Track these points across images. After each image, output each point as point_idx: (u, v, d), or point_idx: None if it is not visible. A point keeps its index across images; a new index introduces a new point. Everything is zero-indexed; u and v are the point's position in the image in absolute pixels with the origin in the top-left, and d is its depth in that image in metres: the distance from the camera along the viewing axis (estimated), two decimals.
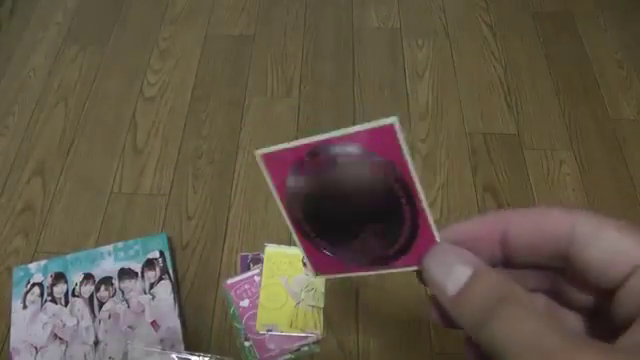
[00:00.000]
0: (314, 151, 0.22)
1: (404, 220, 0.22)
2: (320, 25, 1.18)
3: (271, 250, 0.82)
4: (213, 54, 1.12)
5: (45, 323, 0.76)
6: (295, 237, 0.25)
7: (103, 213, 0.89)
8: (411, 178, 0.21)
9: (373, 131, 0.20)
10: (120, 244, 0.82)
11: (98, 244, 0.84)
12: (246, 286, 0.79)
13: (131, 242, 0.83)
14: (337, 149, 0.21)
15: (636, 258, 0.18)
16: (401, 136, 0.20)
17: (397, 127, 0.19)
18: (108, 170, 0.94)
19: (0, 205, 0.90)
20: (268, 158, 0.24)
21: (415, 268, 0.23)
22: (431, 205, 0.90)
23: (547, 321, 0.17)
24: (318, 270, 0.26)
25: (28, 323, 0.76)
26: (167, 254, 0.82)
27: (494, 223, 0.22)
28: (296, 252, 0.83)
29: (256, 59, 1.11)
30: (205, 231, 0.87)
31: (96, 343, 0.74)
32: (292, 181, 0.24)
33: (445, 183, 0.93)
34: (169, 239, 0.84)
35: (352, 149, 0.21)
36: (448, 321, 0.22)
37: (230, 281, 0.80)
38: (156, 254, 0.81)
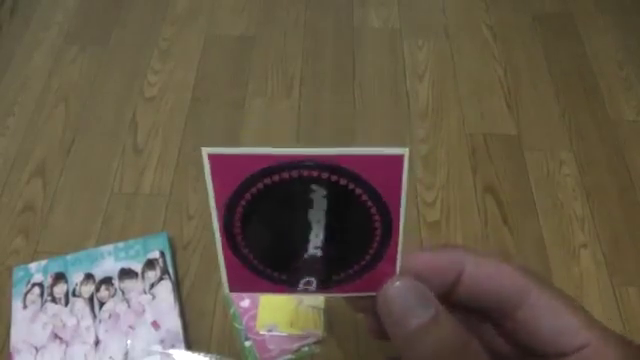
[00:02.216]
0: (281, 166, 0.20)
1: (369, 247, 0.21)
2: (320, 26, 1.18)
3: None
4: (213, 55, 1.12)
5: (45, 323, 0.76)
6: (218, 247, 0.23)
7: (103, 213, 0.89)
8: (398, 211, 0.20)
9: (377, 158, 0.19)
10: (120, 244, 0.82)
11: (98, 244, 0.84)
12: None
13: (131, 242, 0.83)
14: (317, 168, 0.19)
15: (584, 338, 0.19)
16: (406, 168, 0.19)
17: (405, 158, 0.19)
18: (108, 170, 0.94)
19: (0, 205, 0.90)
20: (217, 161, 0.21)
21: (364, 294, 0.22)
22: (431, 206, 0.90)
23: None
24: (234, 285, 0.24)
25: (28, 323, 0.76)
26: (168, 254, 0.82)
27: (452, 261, 0.22)
28: None
29: (256, 60, 1.11)
30: (206, 231, 0.87)
31: (96, 343, 0.74)
32: (243, 192, 0.21)
33: (445, 184, 0.93)
34: (170, 239, 0.84)
35: (337, 174, 0.19)
36: (380, 334, 0.22)
37: None
38: (156, 254, 0.81)
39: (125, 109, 1.03)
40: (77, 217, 0.89)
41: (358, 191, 0.20)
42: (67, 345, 0.74)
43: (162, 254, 0.81)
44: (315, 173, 0.19)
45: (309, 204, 0.20)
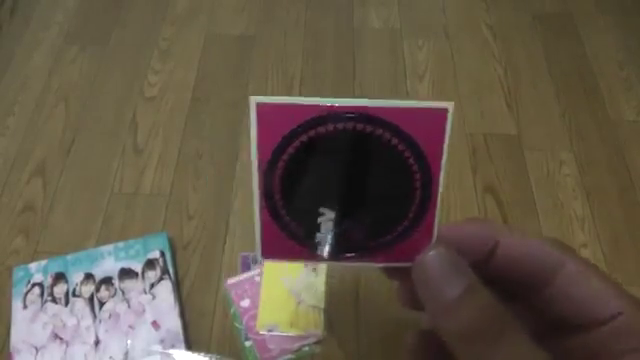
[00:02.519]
0: (329, 117, 0.19)
1: (408, 211, 0.21)
2: (320, 25, 1.18)
3: None
4: (213, 54, 1.12)
5: (45, 323, 0.76)
6: (256, 211, 0.22)
7: (103, 213, 0.89)
8: (439, 168, 0.20)
9: (422, 111, 0.18)
10: (120, 244, 0.82)
11: (98, 244, 0.84)
12: (247, 286, 0.79)
13: (131, 242, 0.83)
14: (361, 123, 0.19)
15: (618, 306, 0.20)
16: (449, 123, 0.19)
17: (450, 113, 0.18)
18: (108, 170, 0.94)
19: (0, 205, 0.90)
20: (264, 111, 0.20)
21: (399, 265, 0.21)
22: None
23: (539, 354, 0.18)
24: (267, 252, 0.23)
25: (28, 323, 0.76)
26: (168, 254, 0.82)
27: (489, 231, 0.22)
28: None
29: (256, 59, 1.11)
30: (206, 231, 0.87)
31: (96, 343, 0.74)
32: (286, 146, 0.20)
33: (445, 184, 0.92)
34: (170, 239, 0.84)
35: (382, 127, 0.19)
36: (413, 304, 0.23)
37: (231, 281, 0.80)
38: (156, 254, 0.81)
39: (125, 109, 1.03)
40: (77, 217, 0.89)
41: (401, 147, 0.19)
42: (67, 345, 0.74)
43: (162, 254, 0.81)
44: (360, 126, 0.19)
45: (352, 161, 0.20)
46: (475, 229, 0.22)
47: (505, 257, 0.22)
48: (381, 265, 0.23)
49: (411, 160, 0.20)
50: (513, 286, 0.22)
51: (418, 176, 0.20)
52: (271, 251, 0.23)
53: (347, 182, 0.21)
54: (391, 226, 0.21)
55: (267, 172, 0.21)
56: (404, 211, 0.21)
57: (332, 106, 0.19)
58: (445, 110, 0.18)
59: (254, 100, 0.19)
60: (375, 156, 0.20)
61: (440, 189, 0.21)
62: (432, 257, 0.21)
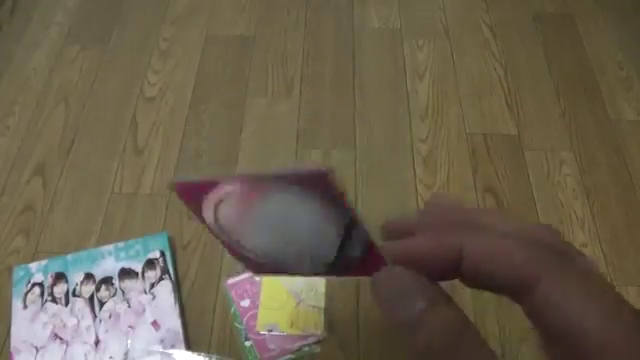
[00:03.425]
0: (251, 184, 0.20)
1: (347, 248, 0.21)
2: (320, 25, 1.18)
3: None
4: (214, 54, 1.12)
5: (45, 323, 0.76)
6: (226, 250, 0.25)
7: (104, 213, 0.89)
8: (355, 214, 0.20)
9: (310, 175, 0.19)
10: (121, 244, 0.82)
11: (99, 244, 0.84)
12: (247, 286, 0.80)
13: (132, 242, 0.83)
14: (275, 185, 0.20)
15: (599, 341, 0.17)
16: (336, 180, 0.19)
17: (332, 175, 0.18)
18: (109, 170, 0.94)
19: (1, 205, 0.90)
20: (182, 189, 0.22)
21: (363, 277, 0.22)
22: None
23: None
24: (258, 272, 0.26)
25: (28, 323, 0.76)
26: (168, 254, 0.82)
27: (449, 247, 0.20)
28: None
29: (256, 59, 1.11)
30: (206, 231, 0.87)
31: (96, 343, 0.74)
32: (210, 215, 0.22)
33: (445, 183, 0.93)
34: (170, 239, 0.84)
35: (291, 188, 0.20)
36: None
37: (231, 281, 0.80)
38: (157, 254, 0.81)
39: (125, 109, 1.03)
40: (77, 217, 0.89)
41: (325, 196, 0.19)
42: (67, 345, 0.74)
43: (162, 254, 0.81)
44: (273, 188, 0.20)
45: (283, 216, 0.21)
46: (436, 245, 0.20)
47: (472, 270, 0.19)
48: (346, 278, 0.23)
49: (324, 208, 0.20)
50: (498, 291, 0.20)
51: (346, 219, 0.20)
52: (258, 271, 0.25)
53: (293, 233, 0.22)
54: (343, 255, 0.22)
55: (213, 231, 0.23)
56: (350, 244, 0.21)
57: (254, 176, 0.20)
58: (324, 173, 0.18)
59: (172, 181, 0.22)
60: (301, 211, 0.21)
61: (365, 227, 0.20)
62: (383, 279, 0.20)
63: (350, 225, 0.20)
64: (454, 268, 0.20)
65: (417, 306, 0.18)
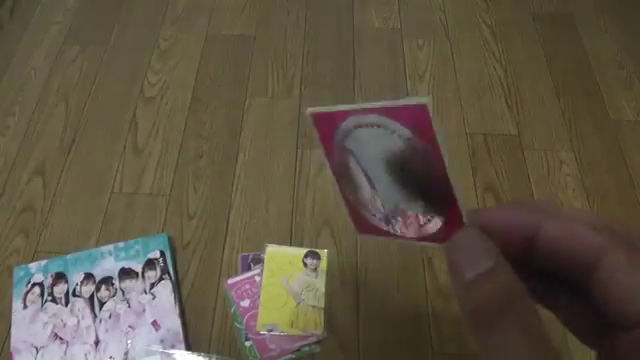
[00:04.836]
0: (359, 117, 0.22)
1: (436, 199, 0.22)
2: (320, 25, 1.18)
3: (272, 250, 0.82)
4: (214, 54, 1.12)
5: (45, 323, 0.76)
6: (337, 193, 0.26)
7: (103, 213, 0.89)
8: (443, 161, 0.21)
9: (408, 109, 0.20)
10: (121, 244, 0.82)
11: (99, 244, 0.85)
12: (247, 286, 0.80)
13: (132, 242, 0.83)
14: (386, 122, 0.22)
15: None
16: (432, 118, 0.20)
17: (429, 108, 0.20)
18: (109, 170, 0.94)
19: (1, 205, 0.90)
20: (317, 117, 0.25)
21: (438, 245, 0.23)
22: None
23: (540, 347, 0.18)
24: (360, 230, 0.27)
25: (28, 323, 0.76)
26: (168, 254, 0.82)
27: (526, 219, 0.21)
28: (297, 252, 0.83)
29: (257, 59, 1.11)
30: (206, 231, 0.87)
31: (97, 343, 0.74)
32: (339, 141, 0.24)
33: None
34: (170, 239, 0.84)
35: (402, 128, 0.21)
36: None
37: (231, 281, 0.80)
38: (157, 254, 0.81)
39: (125, 109, 1.03)
40: (77, 217, 0.89)
41: (420, 143, 0.21)
42: (67, 345, 0.74)
43: (162, 254, 0.81)
44: (376, 126, 0.22)
45: (383, 155, 0.22)
46: (514, 217, 0.22)
47: (546, 247, 0.21)
48: (428, 245, 0.24)
49: (416, 154, 0.21)
50: (563, 275, 0.21)
51: (432, 167, 0.22)
52: (363, 229, 0.27)
53: (382, 174, 0.23)
54: (431, 211, 0.23)
55: (334, 163, 0.24)
56: (430, 199, 0.23)
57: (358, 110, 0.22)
58: (424, 106, 0.20)
59: (309, 111, 0.25)
60: (394, 152, 0.22)
61: (452, 181, 0.21)
62: (458, 239, 0.21)
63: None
64: (526, 244, 0.21)
65: (480, 267, 0.19)
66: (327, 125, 0.24)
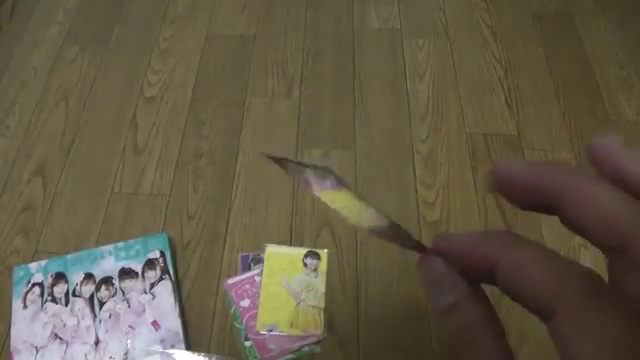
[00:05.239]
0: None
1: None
2: (321, 26, 1.18)
3: (272, 250, 0.82)
4: (214, 54, 1.12)
5: (45, 323, 0.76)
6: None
7: (104, 213, 0.89)
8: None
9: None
10: (121, 244, 0.82)
11: (99, 244, 0.85)
12: (247, 286, 0.80)
13: (132, 242, 0.83)
14: None
15: (616, 235, 0.16)
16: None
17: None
18: (109, 170, 0.94)
19: (1, 205, 0.90)
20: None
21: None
22: (431, 206, 0.90)
23: None
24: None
25: (28, 323, 0.76)
26: (168, 254, 0.82)
27: (485, 252, 0.20)
28: (297, 252, 0.83)
29: (257, 59, 1.11)
30: (206, 231, 0.87)
31: (97, 343, 0.74)
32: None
33: (445, 183, 0.93)
34: (170, 239, 0.84)
35: None
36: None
37: (231, 281, 0.80)
38: (157, 254, 0.81)
39: (125, 109, 1.03)
40: (77, 217, 0.89)
41: None
42: (67, 345, 0.74)
43: (162, 254, 0.81)
44: None
45: None
46: (476, 247, 0.21)
47: (503, 283, 0.20)
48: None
49: None
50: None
51: None
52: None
53: None
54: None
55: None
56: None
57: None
58: None
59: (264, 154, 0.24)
60: None
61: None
62: (424, 267, 0.21)
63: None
64: (488, 276, 0.20)
65: (443, 300, 0.20)
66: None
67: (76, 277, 0.79)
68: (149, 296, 0.78)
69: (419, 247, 0.22)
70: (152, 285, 0.79)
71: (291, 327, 0.76)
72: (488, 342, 0.19)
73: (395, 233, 0.23)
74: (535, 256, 0.19)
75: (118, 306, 0.77)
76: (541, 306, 0.18)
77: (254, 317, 0.77)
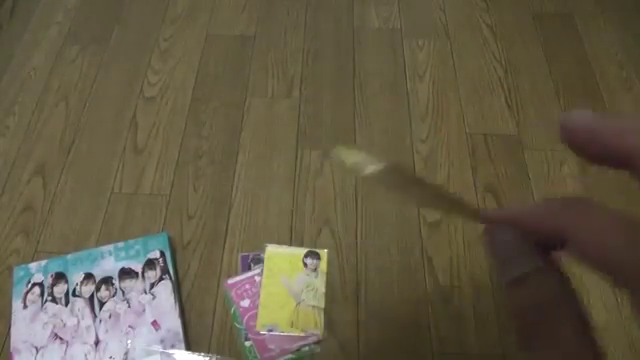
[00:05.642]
0: None
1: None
2: (321, 26, 1.18)
3: (272, 250, 0.82)
4: (214, 54, 1.12)
5: (45, 323, 0.76)
6: None
7: (104, 213, 0.89)
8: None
9: None
10: (121, 244, 0.82)
11: (99, 244, 0.85)
12: (247, 286, 0.80)
13: (132, 242, 0.83)
14: None
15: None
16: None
17: None
18: (109, 170, 0.94)
19: (1, 205, 0.90)
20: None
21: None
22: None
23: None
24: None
25: (28, 323, 0.76)
26: (168, 254, 0.82)
27: (558, 220, 0.19)
28: (297, 252, 0.83)
29: (257, 59, 1.11)
30: (206, 231, 0.87)
31: (97, 343, 0.74)
32: None
33: (445, 183, 0.93)
34: (170, 239, 0.84)
35: None
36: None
37: (231, 281, 0.80)
38: (157, 254, 0.81)
39: (125, 109, 1.03)
40: (77, 217, 0.89)
41: None
42: (67, 345, 0.74)
43: (162, 254, 0.81)
44: None
45: None
46: (544, 221, 0.20)
47: (579, 256, 0.19)
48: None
49: None
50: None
51: None
52: None
53: None
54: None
55: None
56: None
57: None
58: None
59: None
60: None
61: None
62: (494, 237, 0.20)
63: None
64: (558, 244, 0.20)
65: (514, 271, 0.19)
66: None
67: (76, 277, 0.79)
68: (149, 296, 0.78)
69: (481, 217, 0.21)
70: (152, 285, 0.79)
71: (291, 327, 0.76)
72: (567, 310, 0.18)
73: (453, 202, 0.22)
74: (612, 224, 0.18)
75: (118, 306, 0.77)
76: (619, 276, 0.17)
77: (254, 317, 0.77)
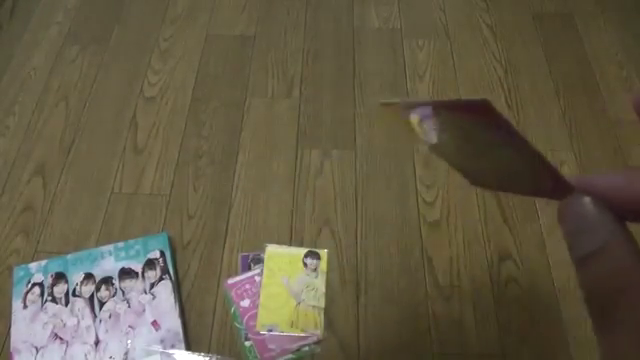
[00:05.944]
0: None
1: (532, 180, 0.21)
2: (321, 26, 1.18)
3: (272, 250, 0.82)
4: (214, 54, 1.12)
5: (45, 323, 0.76)
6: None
7: (104, 213, 0.89)
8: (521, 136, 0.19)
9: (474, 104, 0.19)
10: (121, 244, 0.82)
11: (99, 244, 0.85)
12: (247, 286, 0.80)
13: (132, 242, 0.83)
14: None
15: None
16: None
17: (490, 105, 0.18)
18: (109, 170, 0.94)
19: (1, 205, 0.90)
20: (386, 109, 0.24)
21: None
22: (431, 205, 0.90)
23: None
24: (473, 183, 0.27)
25: (28, 323, 0.76)
26: (168, 254, 0.82)
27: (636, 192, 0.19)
28: (296, 252, 0.83)
29: (257, 59, 1.11)
30: (206, 231, 0.87)
31: (96, 343, 0.74)
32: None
33: (445, 184, 0.93)
34: (170, 239, 0.84)
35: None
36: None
37: (231, 281, 0.80)
38: (157, 254, 0.81)
39: (125, 109, 1.03)
40: (77, 217, 0.89)
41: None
42: (67, 345, 0.74)
43: (162, 254, 0.81)
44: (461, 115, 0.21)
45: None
46: (625, 186, 0.19)
47: None
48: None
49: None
50: None
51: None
52: (474, 182, 0.27)
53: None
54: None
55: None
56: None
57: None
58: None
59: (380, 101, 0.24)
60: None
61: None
62: (568, 208, 0.19)
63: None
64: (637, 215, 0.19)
65: (591, 244, 0.18)
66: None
67: (76, 277, 0.79)
68: (149, 296, 0.78)
69: (561, 185, 0.20)
70: (152, 285, 0.79)
71: (291, 327, 0.76)
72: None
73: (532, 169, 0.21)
74: None
75: (118, 306, 0.77)
76: None
77: (254, 317, 0.77)
